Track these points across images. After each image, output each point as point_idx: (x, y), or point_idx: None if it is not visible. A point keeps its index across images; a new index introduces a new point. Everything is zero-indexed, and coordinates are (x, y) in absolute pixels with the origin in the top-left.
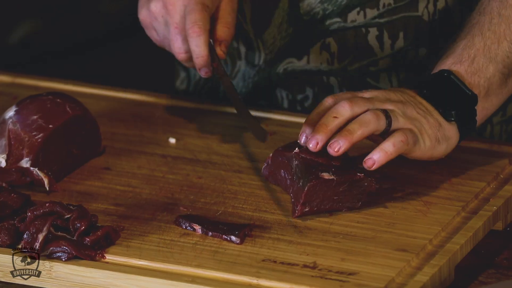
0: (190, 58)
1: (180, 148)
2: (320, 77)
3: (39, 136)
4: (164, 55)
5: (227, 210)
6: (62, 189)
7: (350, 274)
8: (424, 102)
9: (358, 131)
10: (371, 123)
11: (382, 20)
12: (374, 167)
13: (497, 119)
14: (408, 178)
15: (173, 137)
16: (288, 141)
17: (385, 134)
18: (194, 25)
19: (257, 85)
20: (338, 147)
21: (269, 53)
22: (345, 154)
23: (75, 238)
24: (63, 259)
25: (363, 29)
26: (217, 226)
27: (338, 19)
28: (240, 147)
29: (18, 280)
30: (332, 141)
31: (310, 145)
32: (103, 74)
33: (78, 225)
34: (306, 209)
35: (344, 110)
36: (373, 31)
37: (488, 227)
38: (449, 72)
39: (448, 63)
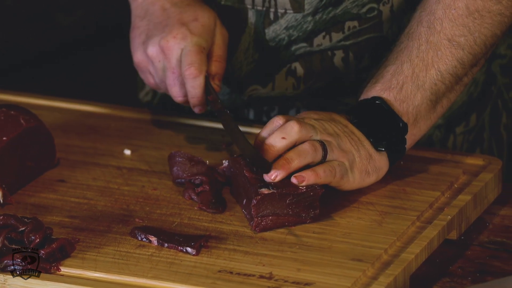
0: (187, 101)
1: (135, 159)
2: (285, 101)
3: None
4: (123, 67)
5: (183, 222)
6: (16, 201)
7: (306, 284)
8: (356, 131)
9: (296, 161)
10: (308, 154)
11: (347, 43)
12: (303, 184)
13: (460, 130)
14: (363, 188)
15: (128, 148)
16: None
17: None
18: (190, 66)
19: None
20: (275, 175)
21: (237, 77)
22: None
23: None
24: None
25: (329, 52)
26: (173, 238)
27: (304, 44)
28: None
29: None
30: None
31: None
32: (61, 87)
33: (32, 237)
34: (263, 223)
35: (293, 131)
36: (339, 53)
37: (443, 236)
38: (381, 99)
39: (377, 89)
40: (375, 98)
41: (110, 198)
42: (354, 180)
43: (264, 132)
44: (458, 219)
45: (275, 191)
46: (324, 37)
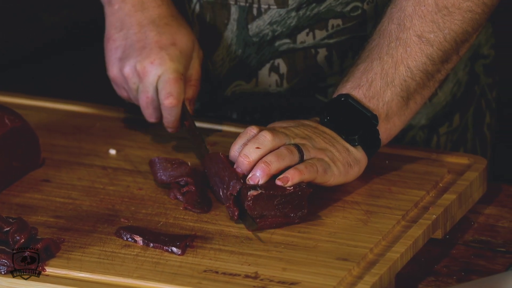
0: (160, 120)
1: (121, 159)
2: (268, 99)
3: None
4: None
5: (169, 221)
6: (1, 201)
7: (292, 283)
8: (327, 130)
9: (275, 163)
10: (286, 157)
11: (331, 41)
12: (288, 184)
13: (443, 130)
14: (348, 187)
15: (114, 148)
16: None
17: None
18: (169, 96)
19: (206, 105)
20: (257, 180)
21: (218, 74)
22: None
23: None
24: (3, 272)
25: (312, 50)
26: (158, 237)
27: (287, 40)
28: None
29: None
30: (251, 175)
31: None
32: (46, 86)
33: (17, 238)
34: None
35: (267, 140)
36: (322, 52)
37: (428, 235)
38: (347, 96)
39: (348, 87)
40: (341, 96)
41: (95, 198)
42: (339, 173)
43: (239, 142)
44: (443, 218)
45: (263, 191)
46: (307, 34)
